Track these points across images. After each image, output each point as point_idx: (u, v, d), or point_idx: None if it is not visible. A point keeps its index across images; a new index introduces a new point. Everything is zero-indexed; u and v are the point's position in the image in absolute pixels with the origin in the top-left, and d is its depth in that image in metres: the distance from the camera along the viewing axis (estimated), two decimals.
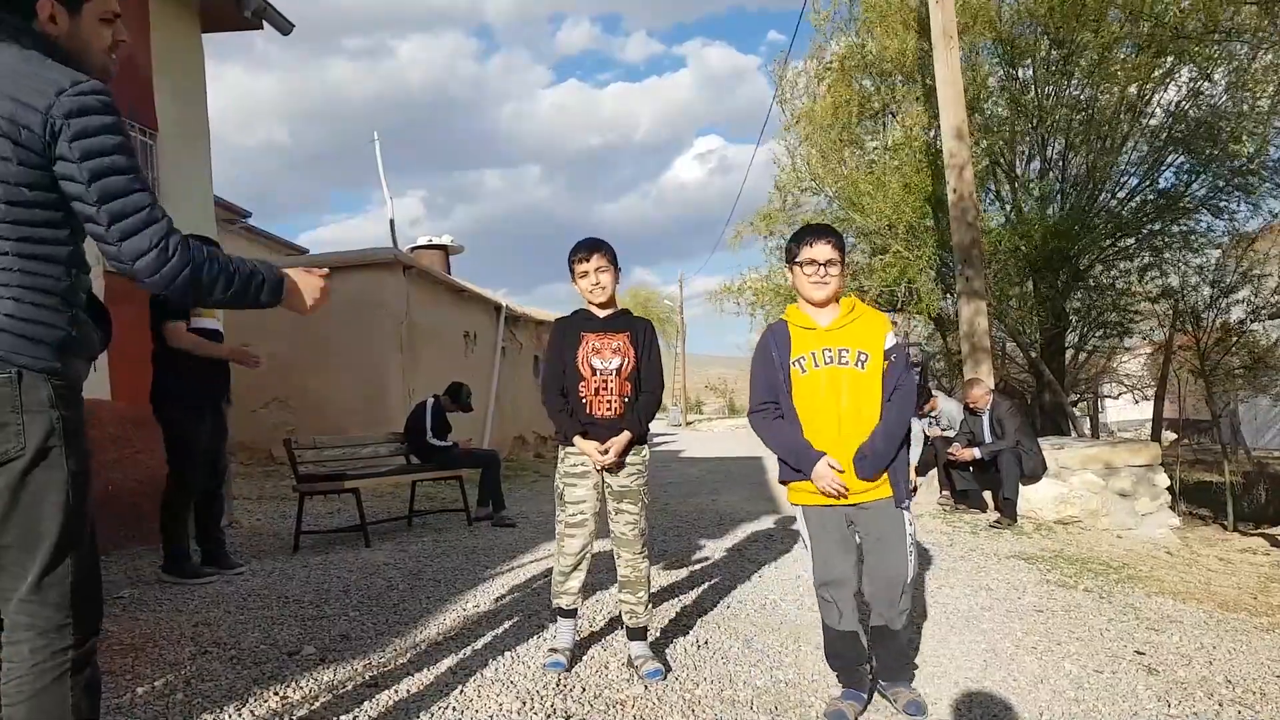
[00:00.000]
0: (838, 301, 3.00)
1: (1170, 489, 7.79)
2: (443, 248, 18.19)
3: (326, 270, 2.15)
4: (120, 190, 1.73)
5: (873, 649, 3.05)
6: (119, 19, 1.98)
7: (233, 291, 1.89)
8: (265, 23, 7.99)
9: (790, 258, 3.05)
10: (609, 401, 3.44)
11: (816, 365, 2.91)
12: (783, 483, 3.08)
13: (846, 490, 2.84)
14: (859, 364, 2.89)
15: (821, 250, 2.93)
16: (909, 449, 2.97)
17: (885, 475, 2.88)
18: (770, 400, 2.99)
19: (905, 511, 2.92)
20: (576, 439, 3.41)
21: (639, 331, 3.54)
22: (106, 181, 1.72)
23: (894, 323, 3.30)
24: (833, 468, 2.83)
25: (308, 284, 2.08)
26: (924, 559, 5.71)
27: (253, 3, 7.64)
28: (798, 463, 2.91)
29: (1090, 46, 10.87)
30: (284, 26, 8.20)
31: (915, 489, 7.58)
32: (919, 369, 7.78)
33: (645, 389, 3.53)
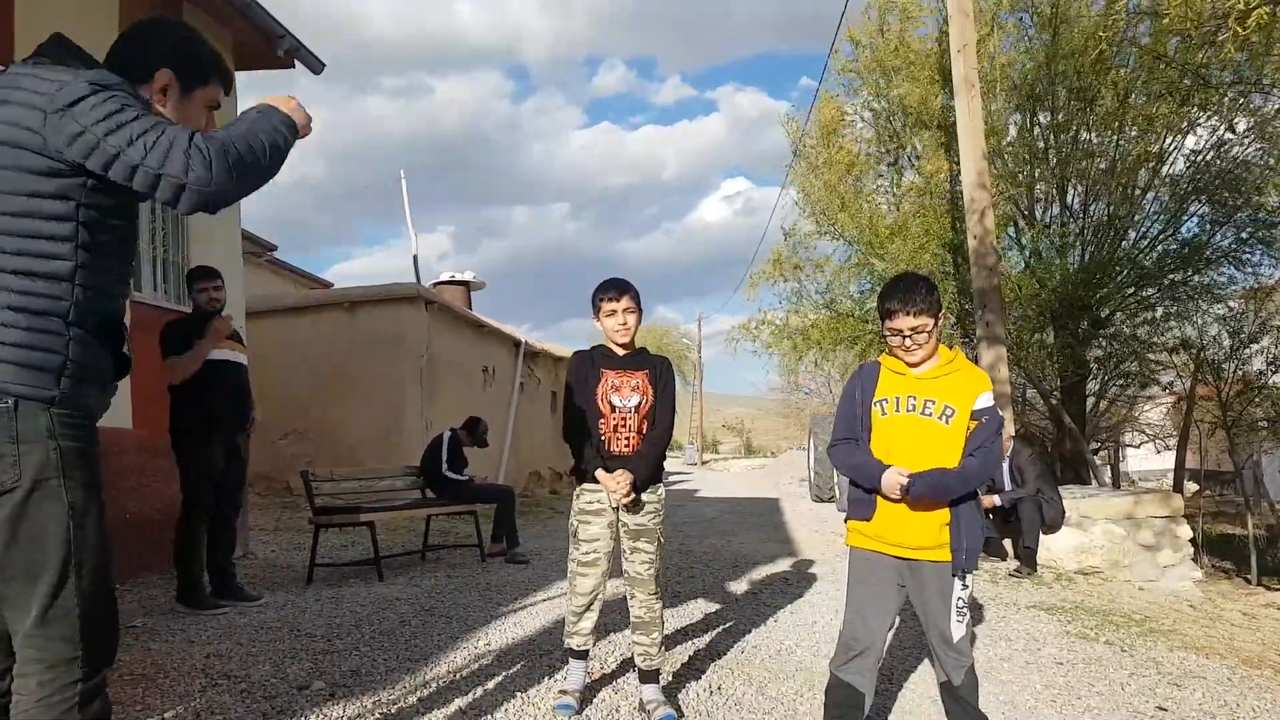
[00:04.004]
0: (935, 350, 2.82)
1: (1193, 541, 7.67)
2: (464, 283, 18.38)
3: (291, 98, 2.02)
4: (142, 130, 1.65)
5: (945, 707, 2.85)
6: (218, 110, 2.01)
7: (277, 153, 1.82)
8: (298, 61, 8.13)
9: (880, 316, 2.87)
10: (627, 439, 3.44)
11: (898, 410, 2.76)
12: (846, 520, 2.93)
13: (910, 482, 2.65)
14: (943, 418, 2.71)
15: (903, 322, 2.73)
16: (980, 519, 2.76)
17: (948, 540, 2.69)
18: (849, 436, 2.86)
19: (959, 579, 2.70)
20: (599, 473, 3.37)
21: (657, 369, 3.55)
22: (126, 130, 1.65)
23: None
24: (899, 475, 2.67)
25: (288, 106, 1.93)
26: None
27: (285, 42, 7.78)
28: (868, 479, 2.76)
29: (1107, 95, 10.91)
30: (315, 66, 8.34)
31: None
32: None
33: (656, 423, 3.51)
